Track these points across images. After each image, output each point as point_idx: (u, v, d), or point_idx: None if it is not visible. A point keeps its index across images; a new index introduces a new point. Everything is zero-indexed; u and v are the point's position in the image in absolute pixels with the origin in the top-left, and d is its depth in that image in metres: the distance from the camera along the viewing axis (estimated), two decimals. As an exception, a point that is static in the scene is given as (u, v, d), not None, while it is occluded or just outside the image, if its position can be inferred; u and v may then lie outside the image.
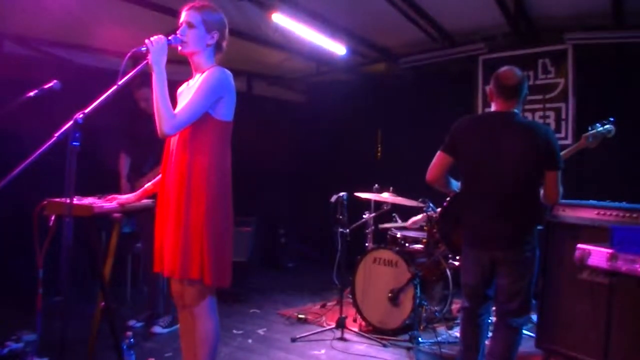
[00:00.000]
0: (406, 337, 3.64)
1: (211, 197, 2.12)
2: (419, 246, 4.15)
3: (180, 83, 2.38)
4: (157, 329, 3.72)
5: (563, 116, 4.89)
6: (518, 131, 2.52)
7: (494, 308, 3.96)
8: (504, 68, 2.64)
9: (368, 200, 4.30)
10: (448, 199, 2.89)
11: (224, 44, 2.28)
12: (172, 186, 2.16)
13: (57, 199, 2.36)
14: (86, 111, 1.88)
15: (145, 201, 2.66)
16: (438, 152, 2.72)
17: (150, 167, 3.68)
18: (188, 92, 2.23)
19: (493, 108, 2.67)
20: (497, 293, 2.68)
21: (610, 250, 1.99)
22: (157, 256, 2.22)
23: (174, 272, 2.11)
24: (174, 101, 2.35)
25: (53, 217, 2.36)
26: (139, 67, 2.05)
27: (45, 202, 2.38)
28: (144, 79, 3.63)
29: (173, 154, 2.19)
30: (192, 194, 2.11)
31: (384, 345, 3.58)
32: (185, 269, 2.09)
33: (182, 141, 2.14)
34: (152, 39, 2.04)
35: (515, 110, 2.58)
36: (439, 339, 3.66)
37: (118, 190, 3.69)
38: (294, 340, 3.64)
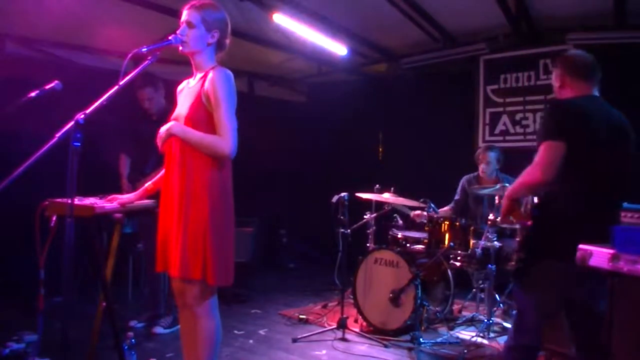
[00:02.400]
0: (407, 337, 3.64)
1: (214, 197, 2.12)
2: (420, 247, 4.15)
3: (179, 82, 2.38)
4: (158, 330, 3.72)
5: (564, 116, 4.88)
6: (619, 119, 2.25)
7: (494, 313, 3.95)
8: (572, 51, 2.39)
9: (369, 201, 4.29)
10: (536, 204, 2.29)
11: (226, 42, 2.28)
12: (175, 186, 2.17)
13: (59, 200, 2.37)
14: (87, 111, 1.88)
15: (146, 201, 2.67)
16: (551, 143, 2.13)
17: (152, 167, 3.68)
18: (189, 91, 2.23)
19: (567, 94, 2.34)
20: (587, 323, 2.20)
21: (611, 251, 1.99)
22: (160, 255, 2.22)
23: (176, 271, 2.11)
24: (173, 101, 2.35)
25: (54, 218, 2.36)
26: (140, 67, 2.05)
27: (46, 203, 2.38)
28: (147, 79, 3.63)
29: (175, 153, 2.19)
30: (195, 194, 2.12)
31: (385, 346, 3.58)
32: (188, 269, 2.10)
33: (184, 142, 2.15)
34: (163, 134, 2.19)
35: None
36: (440, 339, 3.67)
37: (119, 191, 3.70)
38: (295, 340, 3.64)
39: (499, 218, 2.36)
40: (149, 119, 3.77)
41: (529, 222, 2.26)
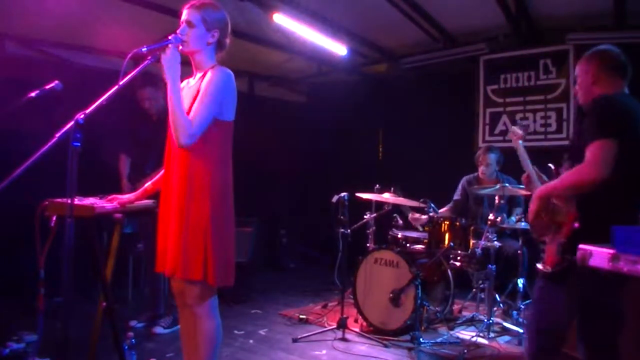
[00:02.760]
0: (407, 337, 3.64)
1: (214, 197, 2.12)
2: (420, 247, 4.15)
3: (179, 82, 2.38)
4: (158, 330, 3.72)
5: (564, 116, 4.89)
6: None
7: (496, 307, 3.94)
8: (606, 46, 2.32)
9: (369, 201, 4.30)
10: (579, 206, 2.14)
11: (227, 41, 2.28)
12: (175, 186, 2.16)
13: (59, 200, 2.37)
14: (87, 111, 1.88)
15: (146, 201, 2.66)
16: (605, 141, 2.03)
17: (152, 167, 3.68)
18: (189, 91, 2.23)
19: (600, 91, 2.24)
20: (606, 323, 2.19)
21: (612, 251, 1.98)
22: (160, 256, 2.22)
23: (176, 272, 2.11)
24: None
25: (54, 218, 2.36)
26: (140, 67, 2.05)
27: (46, 203, 2.37)
28: (147, 79, 3.63)
29: (175, 153, 2.19)
30: (195, 194, 2.11)
31: (385, 346, 3.58)
32: (188, 270, 2.09)
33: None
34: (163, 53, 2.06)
35: None
36: (440, 339, 3.67)
37: (119, 191, 3.69)
38: (295, 340, 3.64)
39: (528, 219, 2.27)
40: (149, 119, 3.77)
41: (576, 224, 2.16)
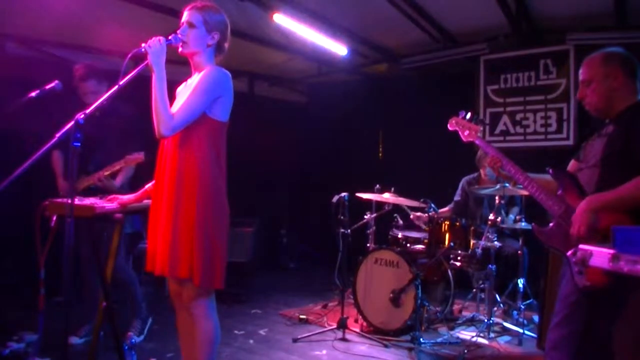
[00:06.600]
0: (407, 337, 3.64)
1: (203, 197, 2.11)
2: (420, 247, 4.15)
3: (180, 82, 2.38)
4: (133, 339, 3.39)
5: (565, 117, 4.88)
6: None
7: (496, 309, 3.94)
8: (617, 49, 2.31)
9: (369, 201, 4.29)
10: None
11: (226, 45, 2.28)
12: (166, 186, 2.16)
13: (59, 200, 2.37)
14: (87, 111, 1.88)
15: (146, 202, 2.66)
16: None
17: (96, 165, 3.26)
18: (186, 91, 2.23)
19: (625, 96, 2.22)
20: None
21: (612, 251, 1.98)
22: (150, 255, 2.22)
23: (164, 270, 2.11)
24: (172, 100, 2.35)
25: (54, 218, 2.36)
26: (140, 67, 2.05)
27: (46, 203, 2.38)
28: (91, 70, 3.30)
29: (167, 153, 2.18)
30: (185, 194, 2.11)
31: (386, 346, 3.58)
32: (174, 268, 2.09)
33: (176, 140, 2.14)
34: (150, 40, 2.05)
35: None
36: (441, 339, 3.66)
37: (58, 190, 3.28)
38: (295, 340, 3.64)
39: (578, 236, 2.15)
40: (91, 116, 3.46)
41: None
